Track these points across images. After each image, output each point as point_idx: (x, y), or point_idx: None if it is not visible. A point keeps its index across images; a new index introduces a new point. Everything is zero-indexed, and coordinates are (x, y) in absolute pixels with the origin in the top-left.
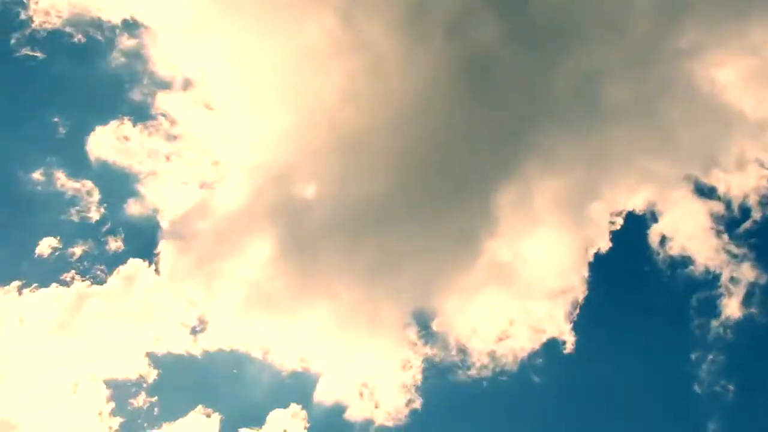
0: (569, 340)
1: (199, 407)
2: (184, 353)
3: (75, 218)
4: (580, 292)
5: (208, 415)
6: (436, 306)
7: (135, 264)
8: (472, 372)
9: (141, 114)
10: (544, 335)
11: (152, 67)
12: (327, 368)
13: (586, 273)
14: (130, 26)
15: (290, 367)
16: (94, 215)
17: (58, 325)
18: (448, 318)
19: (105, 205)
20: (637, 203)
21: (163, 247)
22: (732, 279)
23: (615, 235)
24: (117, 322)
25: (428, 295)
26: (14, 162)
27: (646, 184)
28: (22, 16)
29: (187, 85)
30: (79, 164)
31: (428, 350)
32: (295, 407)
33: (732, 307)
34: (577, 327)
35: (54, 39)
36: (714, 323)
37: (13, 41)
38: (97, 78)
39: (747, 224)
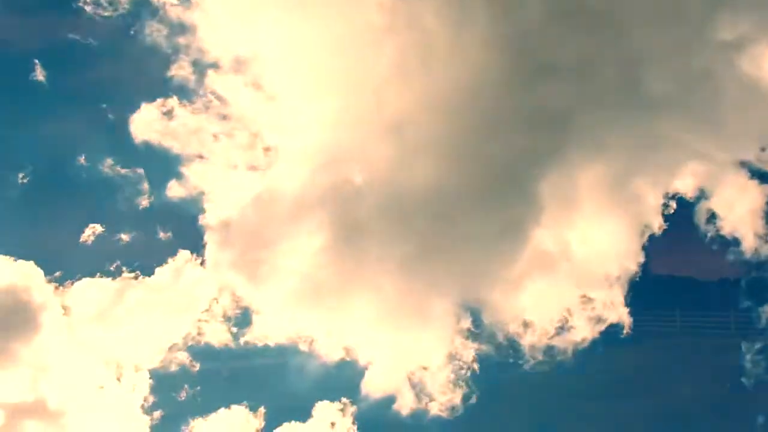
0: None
1: (243, 400)
2: (228, 345)
3: (122, 206)
4: (636, 276)
5: (252, 408)
6: (486, 296)
7: (181, 255)
8: (527, 365)
9: (188, 93)
10: (603, 324)
11: (201, 45)
12: (374, 359)
13: (641, 258)
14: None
15: (336, 358)
16: (143, 202)
17: (101, 315)
18: (499, 308)
19: (152, 191)
20: (686, 186)
21: (209, 237)
22: None
23: (667, 218)
24: (161, 312)
25: (476, 286)
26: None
27: (696, 168)
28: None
29: (237, 64)
30: (123, 147)
31: (479, 342)
32: (341, 399)
33: None
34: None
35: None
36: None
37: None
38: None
39: None
